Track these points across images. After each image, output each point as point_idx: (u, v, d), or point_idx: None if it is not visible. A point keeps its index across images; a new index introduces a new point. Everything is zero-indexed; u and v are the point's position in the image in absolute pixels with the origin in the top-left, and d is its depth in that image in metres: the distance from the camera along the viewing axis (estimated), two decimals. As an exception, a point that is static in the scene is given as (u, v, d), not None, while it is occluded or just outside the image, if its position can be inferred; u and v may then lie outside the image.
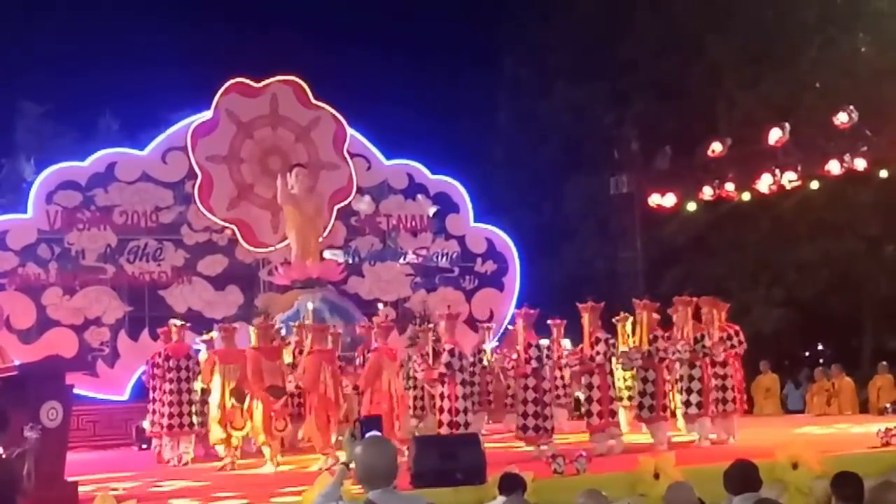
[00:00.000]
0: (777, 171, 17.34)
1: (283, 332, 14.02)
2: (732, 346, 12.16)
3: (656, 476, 8.01)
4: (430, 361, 11.32)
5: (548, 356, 11.39)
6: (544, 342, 11.78)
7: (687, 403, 11.74)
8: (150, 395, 13.45)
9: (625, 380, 13.49)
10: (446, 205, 20.07)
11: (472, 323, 18.66)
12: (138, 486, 9.99)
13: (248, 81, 18.85)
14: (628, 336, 12.45)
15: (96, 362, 17.29)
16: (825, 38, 19.82)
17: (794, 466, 8.26)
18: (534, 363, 10.70)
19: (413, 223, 19.81)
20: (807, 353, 25.03)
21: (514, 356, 11.06)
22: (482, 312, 19.50)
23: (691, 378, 11.71)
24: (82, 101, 22.00)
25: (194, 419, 12.72)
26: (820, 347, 25.45)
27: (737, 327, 12.51)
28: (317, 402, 11.16)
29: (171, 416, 12.65)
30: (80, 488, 8.75)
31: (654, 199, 19.36)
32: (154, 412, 13.21)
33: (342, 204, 19.03)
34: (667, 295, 13.05)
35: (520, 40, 23.82)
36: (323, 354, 11.46)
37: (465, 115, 24.39)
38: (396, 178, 19.83)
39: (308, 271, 17.13)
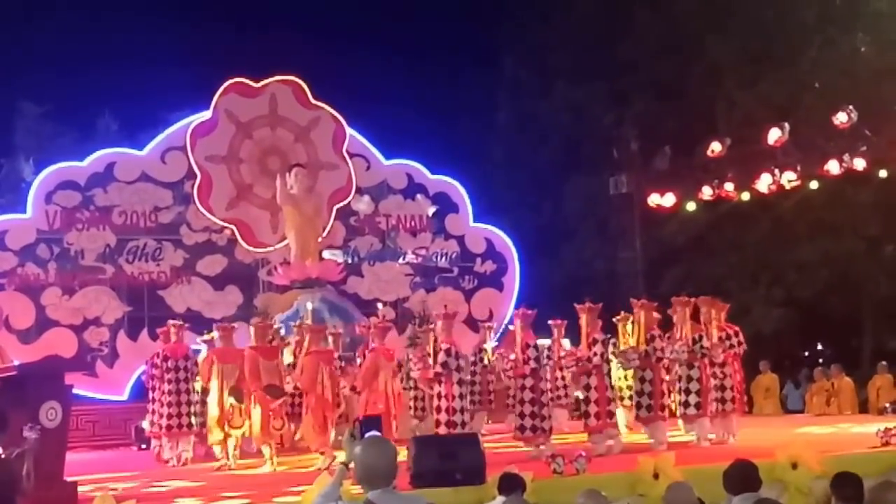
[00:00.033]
0: (776, 171, 17.32)
1: (283, 332, 14.03)
2: (732, 347, 12.15)
3: (656, 476, 8.00)
4: (431, 362, 11.31)
5: (548, 357, 11.38)
6: (545, 342, 11.76)
7: (685, 404, 11.72)
8: (150, 396, 13.44)
9: (626, 379, 13.46)
10: (446, 205, 20.06)
11: (471, 323, 18.67)
12: (137, 487, 9.99)
13: (247, 81, 18.85)
14: (629, 336, 12.43)
15: (95, 362, 17.29)
16: (825, 38, 19.81)
17: (794, 466, 8.25)
18: (532, 364, 10.68)
19: (412, 223, 19.80)
20: (806, 353, 25.02)
21: (513, 357, 11.05)
22: (481, 312, 19.49)
23: (689, 379, 11.69)
24: (81, 102, 22.00)
25: (193, 419, 12.69)
26: (820, 347, 25.44)
27: (736, 328, 12.51)
28: (314, 403, 11.14)
29: (170, 416, 12.61)
30: (80, 488, 8.76)
31: (654, 199, 19.34)
32: (153, 412, 13.19)
33: (341, 204, 19.02)
34: (666, 295, 13.04)
35: (520, 40, 23.83)
36: (321, 355, 11.46)
37: (465, 116, 24.43)
38: (396, 178, 19.83)
39: (307, 271, 17.11)
